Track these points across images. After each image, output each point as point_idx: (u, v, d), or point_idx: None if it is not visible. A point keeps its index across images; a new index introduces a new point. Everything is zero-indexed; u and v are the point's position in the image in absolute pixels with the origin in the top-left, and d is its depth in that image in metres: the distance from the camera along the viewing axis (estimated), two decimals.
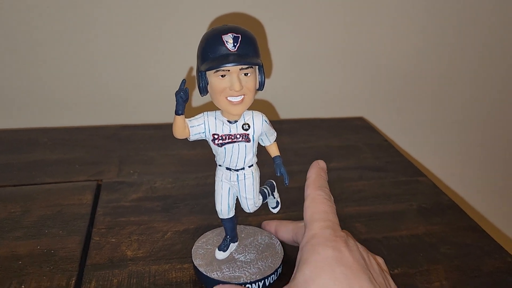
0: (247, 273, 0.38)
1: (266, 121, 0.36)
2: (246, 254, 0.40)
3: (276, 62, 0.76)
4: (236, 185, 0.38)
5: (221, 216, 0.39)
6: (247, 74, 0.33)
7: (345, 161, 0.63)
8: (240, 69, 0.33)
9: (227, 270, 0.38)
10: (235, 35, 0.33)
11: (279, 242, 0.42)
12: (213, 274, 0.38)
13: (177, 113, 0.33)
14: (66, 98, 0.73)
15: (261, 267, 0.39)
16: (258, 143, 0.37)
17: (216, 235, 0.43)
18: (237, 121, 0.35)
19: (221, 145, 0.35)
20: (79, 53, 0.70)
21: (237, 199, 0.39)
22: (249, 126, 0.35)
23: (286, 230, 0.41)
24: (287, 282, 0.33)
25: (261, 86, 0.36)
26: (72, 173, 0.57)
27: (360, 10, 0.76)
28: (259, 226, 0.45)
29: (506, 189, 1.00)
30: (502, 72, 0.88)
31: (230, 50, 0.32)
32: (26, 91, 0.71)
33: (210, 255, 0.40)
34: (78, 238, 0.44)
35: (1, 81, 0.69)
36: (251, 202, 0.38)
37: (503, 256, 0.45)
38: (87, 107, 0.74)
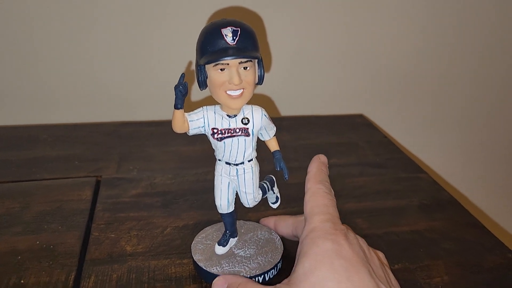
0: (246, 268, 0.38)
1: (265, 115, 0.36)
2: (246, 249, 0.40)
3: (276, 58, 0.76)
4: (236, 179, 0.37)
5: (220, 211, 0.39)
6: (246, 68, 0.33)
7: (345, 158, 0.63)
8: (239, 63, 0.33)
9: (226, 265, 0.38)
10: (234, 28, 0.33)
11: (279, 237, 0.42)
12: (213, 269, 0.38)
13: (176, 107, 0.33)
14: (66, 95, 0.72)
15: (260, 262, 0.39)
16: (258, 137, 0.37)
17: (215, 230, 0.43)
18: (236, 115, 0.35)
19: (221, 139, 0.35)
20: (79, 50, 0.70)
21: (236, 194, 0.39)
22: (248, 120, 0.35)
23: (286, 224, 0.41)
24: (287, 276, 0.32)
25: (260, 80, 0.35)
26: (71, 170, 0.57)
27: (361, 8, 0.76)
28: (259, 221, 0.45)
29: (506, 186, 0.99)
30: (502, 65, 0.87)
31: (229, 44, 0.32)
32: (26, 88, 0.71)
33: (210, 250, 0.40)
34: (77, 233, 0.44)
35: (1, 78, 0.69)
36: (251, 197, 0.38)
37: (503, 252, 0.45)
38: (87, 104, 0.73)
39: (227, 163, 0.37)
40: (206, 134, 0.36)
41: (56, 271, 0.39)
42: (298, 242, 0.34)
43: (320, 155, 0.38)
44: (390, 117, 0.86)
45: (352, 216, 0.49)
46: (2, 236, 0.43)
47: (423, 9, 0.79)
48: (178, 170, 0.58)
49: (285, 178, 0.37)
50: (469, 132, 0.92)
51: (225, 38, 0.32)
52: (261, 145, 0.38)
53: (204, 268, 0.38)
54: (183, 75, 0.33)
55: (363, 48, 0.80)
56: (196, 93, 0.68)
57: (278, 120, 0.72)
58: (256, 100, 0.36)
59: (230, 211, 0.39)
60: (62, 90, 0.72)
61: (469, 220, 0.50)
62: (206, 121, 0.35)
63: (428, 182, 0.58)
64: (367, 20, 0.78)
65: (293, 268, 0.32)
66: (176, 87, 0.32)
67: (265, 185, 0.41)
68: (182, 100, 0.33)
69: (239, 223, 0.44)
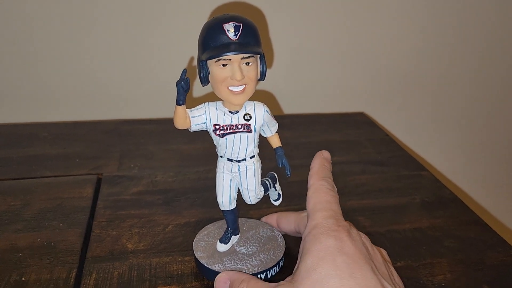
0: (248, 265, 0.38)
1: (267, 112, 0.36)
2: (248, 246, 0.40)
3: (277, 55, 0.76)
4: (238, 176, 0.37)
5: (222, 208, 0.39)
6: (249, 63, 0.33)
7: (347, 156, 0.63)
8: (241, 58, 0.32)
9: (228, 262, 0.38)
10: (237, 24, 0.32)
11: (281, 234, 0.42)
12: (215, 266, 0.37)
13: (178, 103, 0.33)
14: (66, 93, 0.72)
15: (263, 260, 0.38)
16: (260, 134, 0.37)
17: (217, 227, 0.43)
18: (238, 111, 0.35)
19: (223, 135, 0.35)
20: (79, 47, 0.70)
21: (238, 191, 0.39)
22: (250, 117, 0.35)
23: (288, 220, 0.41)
24: (289, 274, 0.32)
25: (262, 76, 0.35)
26: (72, 167, 0.56)
27: (362, 7, 0.76)
28: (261, 219, 0.45)
29: (508, 183, 0.99)
30: (502, 64, 0.87)
31: (231, 39, 0.32)
32: (26, 86, 0.71)
33: (212, 247, 0.40)
34: (78, 230, 0.44)
35: (2, 76, 0.69)
36: (253, 194, 0.38)
37: (506, 249, 0.45)
38: (87, 102, 0.73)
39: (229, 159, 0.37)
40: (208, 130, 0.36)
41: (57, 268, 0.39)
42: (300, 238, 0.34)
43: (323, 151, 0.38)
44: (391, 115, 0.86)
45: (354, 214, 0.49)
46: (3, 233, 0.43)
47: (423, 9, 0.79)
48: (179, 168, 0.57)
49: (287, 174, 0.37)
50: (470, 130, 0.92)
51: (227, 33, 0.32)
52: (262, 144, 0.38)
53: (206, 265, 0.38)
54: (185, 71, 0.32)
55: (365, 47, 0.79)
56: (198, 89, 0.68)
57: (279, 118, 0.72)
58: (258, 96, 0.36)
59: (232, 208, 0.39)
60: (62, 88, 0.72)
61: (471, 218, 0.50)
62: (208, 117, 0.35)
63: (430, 179, 0.58)
64: (369, 19, 0.77)
65: (296, 265, 0.32)
66: (178, 83, 0.32)
67: (267, 182, 0.41)
68: (184, 96, 0.33)
69: (241, 220, 0.43)
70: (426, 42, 0.82)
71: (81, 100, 0.73)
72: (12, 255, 0.40)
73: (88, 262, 0.40)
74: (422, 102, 0.87)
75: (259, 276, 0.37)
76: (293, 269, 0.32)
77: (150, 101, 0.75)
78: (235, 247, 0.40)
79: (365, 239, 0.33)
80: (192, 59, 0.70)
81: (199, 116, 0.35)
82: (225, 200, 0.38)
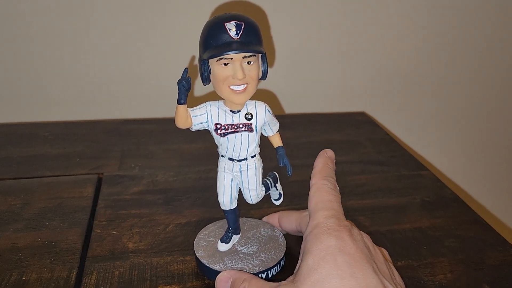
0: (249, 265, 0.38)
1: (269, 111, 0.36)
2: (249, 246, 0.40)
3: (278, 56, 0.76)
4: (239, 175, 0.37)
5: (223, 207, 0.39)
6: (250, 62, 0.33)
7: (347, 155, 0.63)
8: (243, 57, 0.32)
9: (229, 262, 0.38)
10: (238, 22, 0.32)
11: (282, 234, 0.42)
12: (216, 266, 0.37)
13: (179, 102, 0.33)
14: (67, 93, 0.72)
15: (264, 259, 0.38)
16: (261, 133, 0.37)
17: (218, 227, 0.43)
18: (240, 110, 0.35)
19: (224, 135, 0.35)
20: (79, 47, 0.70)
21: (239, 190, 0.39)
22: (252, 116, 0.35)
23: (290, 220, 0.41)
24: (290, 273, 0.32)
25: (264, 75, 0.35)
26: (72, 167, 0.56)
27: (363, 7, 0.76)
28: (262, 218, 0.45)
29: (508, 182, 0.99)
30: (503, 64, 0.87)
31: (233, 38, 0.32)
32: (26, 86, 0.70)
33: (213, 247, 0.40)
34: (79, 230, 0.44)
35: (2, 75, 0.69)
36: (254, 193, 0.38)
37: (506, 248, 0.45)
38: (87, 101, 0.73)
39: (230, 159, 0.37)
40: (209, 129, 0.36)
41: (58, 268, 0.39)
42: (301, 238, 0.34)
43: (327, 150, 0.38)
44: (391, 115, 0.86)
45: (354, 213, 0.49)
46: (4, 233, 0.43)
47: (423, 9, 0.79)
48: (180, 167, 0.57)
49: (289, 174, 0.37)
50: (470, 129, 0.92)
51: (229, 32, 0.32)
52: (263, 143, 0.38)
53: (207, 265, 0.37)
54: (186, 70, 0.32)
55: (366, 47, 0.79)
56: (199, 88, 0.68)
57: (279, 118, 0.72)
58: (259, 96, 0.36)
59: (233, 207, 0.39)
60: (62, 87, 0.72)
61: (471, 217, 0.50)
62: (209, 116, 0.35)
63: (430, 179, 0.58)
64: (370, 19, 0.77)
65: (297, 265, 0.32)
66: (179, 82, 0.32)
67: (268, 181, 0.41)
68: (185, 95, 0.33)
69: (242, 220, 0.43)
70: (426, 42, 0.82)
71: (82, 100, 0.73)
72: (12, 254, 0.40)
73: (89, 262, 0.40)
74: (423, 101, 0.87)
75: (260, 275, 0.37)
76: (294, 268, 0.32)
77: (151, 100, 0.75)
78: (236, 247, 0.40)
79: (367, 238, 0.33)
80: (193, 58, 0.70)
81: (200, 115, 0.35)
82: (226, 200, 0.38)
